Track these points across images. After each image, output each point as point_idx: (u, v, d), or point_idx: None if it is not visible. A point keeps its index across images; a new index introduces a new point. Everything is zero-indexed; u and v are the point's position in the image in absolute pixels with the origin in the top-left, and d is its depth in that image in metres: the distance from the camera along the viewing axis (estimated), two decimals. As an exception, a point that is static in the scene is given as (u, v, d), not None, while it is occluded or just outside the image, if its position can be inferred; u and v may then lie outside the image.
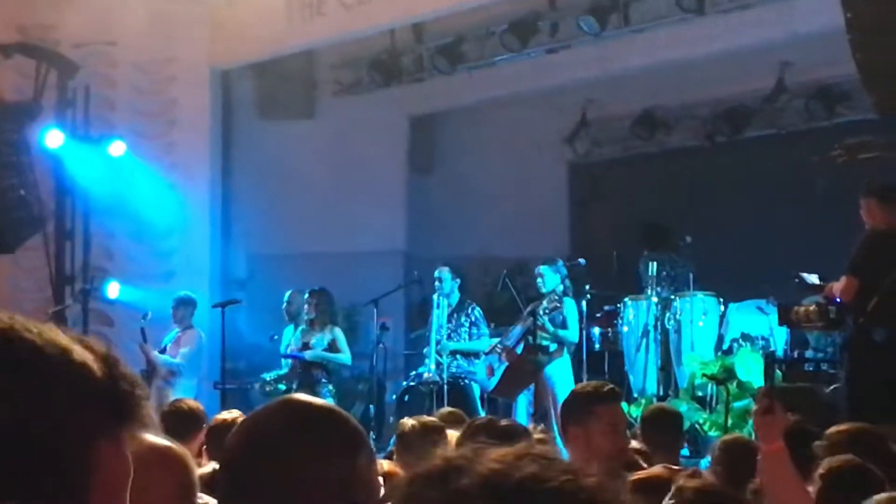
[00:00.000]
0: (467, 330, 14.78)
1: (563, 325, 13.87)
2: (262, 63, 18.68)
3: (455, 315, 14.84)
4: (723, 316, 14.64)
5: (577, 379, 13.96)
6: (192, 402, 9.02)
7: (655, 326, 14.62)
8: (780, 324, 12.22)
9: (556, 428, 12.95)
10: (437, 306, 14.88)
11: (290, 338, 15.26)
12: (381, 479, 2.59)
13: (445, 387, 14.28)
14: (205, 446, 7.16)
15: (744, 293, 14.72)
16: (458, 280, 14.96)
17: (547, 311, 13.74)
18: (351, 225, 18.55)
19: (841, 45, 11.66)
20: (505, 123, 19.06)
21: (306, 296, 14.99)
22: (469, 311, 14.87)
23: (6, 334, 1.68)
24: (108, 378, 1.73)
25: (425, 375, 14.80)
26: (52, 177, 17.37)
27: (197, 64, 18.05)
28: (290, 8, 17.24)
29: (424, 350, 15.18)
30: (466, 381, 14.54)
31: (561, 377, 13.72)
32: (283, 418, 2.58)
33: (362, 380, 16.78)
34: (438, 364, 14.63)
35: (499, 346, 14.14)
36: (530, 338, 13.57)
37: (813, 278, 11.35)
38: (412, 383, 15.11)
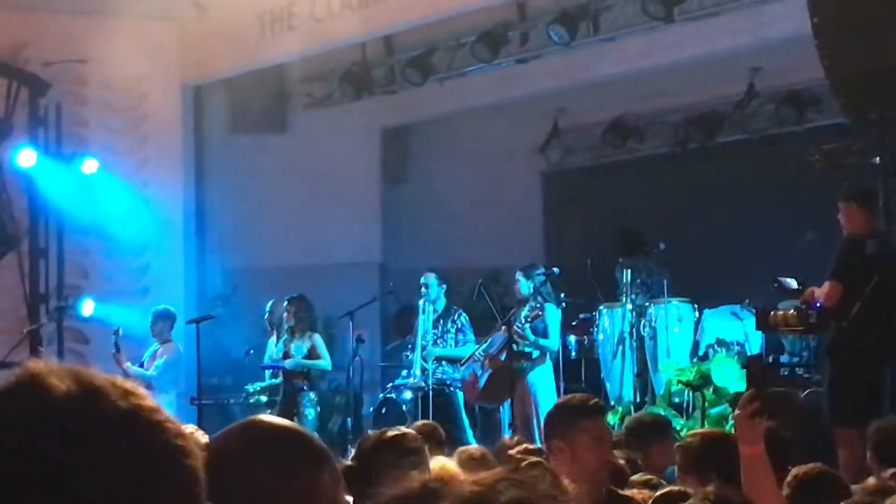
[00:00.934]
0: (453, 336, 14.82)
1: (545, 334, 13.89)
2: (233, 77, 18.67)
3: (441, 321, 14.89)
4: (698, 322, 14.67)
5: (556, 386, 14.03)
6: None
7: (631, 333, 14.65)
8: (758, 328, 12.24)
9: (537, 435, 13.01)
10: (423, 312, 14.94)
11: (272, 349, 15.29)
12: (349, 499, 2.60)
13: (430, 392, 14.29)
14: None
15: (718, 299, 14.76)
16: (445, 286, 15.03)
17: (528, 319, 13.75)
18: (325, 237, 18.56)
19: (810, 50, 11.69)
20: (477, 133, 19.06)
21: (285, 304, 15.01)
22: (455, 317, 14.92)
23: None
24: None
25: (410, 381, 14.83)
26: (25, 195, 17.36)
27: (168, 80, 18.07)
28: (261, 22, 17.27)
29: (410, 356, 15.19)
30: (451, 388, 14.56)
31: (543, 384, 13.78)
32: (244, 438, 2.59)
33: (339, 392, 16.78)
34: (424, 370, 14.64)
35: (480, 353, 14.18)
36: (514, 345, 13.60)
37: (791, 283, 11.38)
38: (389, 395, 15.14)
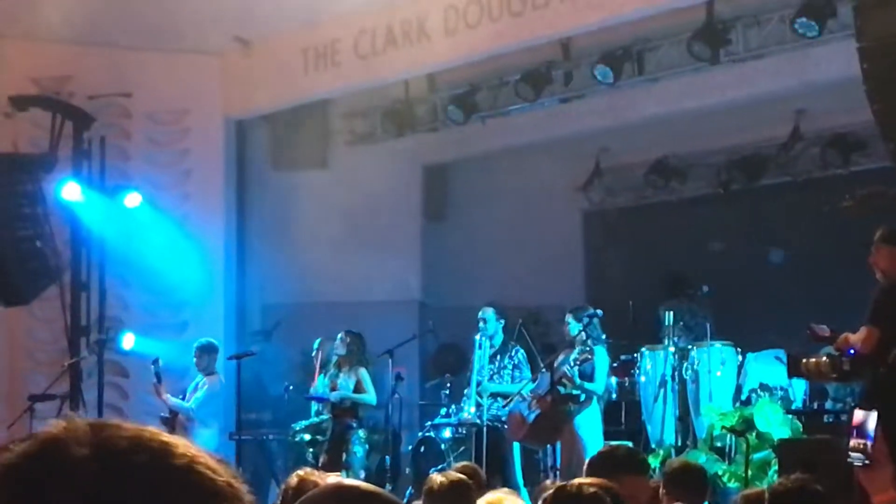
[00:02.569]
0: (510, 372, 14.66)
1: (591, 377, 13.71)
2: (275, 113, 18.73)
3: (498, 356, 14.75)
4: (741, 366, 14.54)
5: (601, 429, 13.93)
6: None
7: (673, 376, 14.51)
8: (790, 376, 12.12)
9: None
10: (479, 347, 14.80)
11: (320, 386, 15.25)
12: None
13: (484, 429, 14.12)
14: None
15: (761, 343, 14.64)
16: (503, 321, 14.91)
17: (577, 362, 13.55)
18: (365, 274, 18.52)
19: (856, 93, 11.67)
20: (519, 172, 19.05)
21: (340, 336, 14.91)
22: (512, 353, 14.77)
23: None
24: None
25: (464, 416, 14.69)
26: (68, 228, 17.39)
27: (211, 114, 18.13)
28: (305, 58, 17.33)
29: (465, 391, 15.05)
30: (505, 425, 14.39)
31: (590, 427, 13.59)
32: (334, 502, 2.55)
33: (377, 430, 16.70)
34: (478, 405, 14.49)
35: (526, 393, 14.00)
36: (560, 388, 13.46)
37: (824, 329, 11.22)
38: (428, 433, 15.06)
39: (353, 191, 18.83)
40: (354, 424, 14.78)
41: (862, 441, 5.21)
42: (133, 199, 17.11)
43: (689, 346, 14.78)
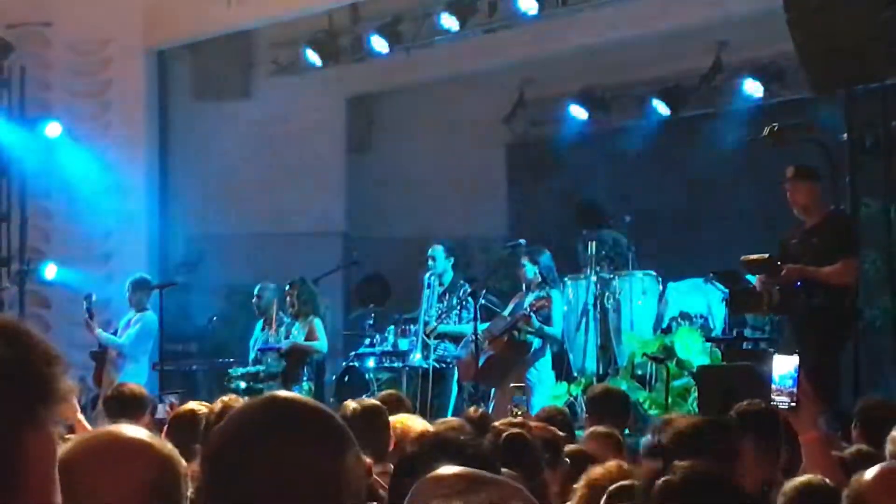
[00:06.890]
0: (458, 312, 14.40)
1: (548, 321, 13.52)
2: (198, 43, 18.57)
3: (447, 295, 14.50)
4: (661, 294, 14.66)
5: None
6: (134, 386, 9.00)
7: (595, 305, 14.56)
8: (735, 312, 12.23)
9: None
10: (428, 286, 14.61)
11: (258, 333, 14.99)
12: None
13: (430, 371, 13.99)
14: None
15: (682, 271, 14.76)
16: (452, 259, 14.68)
17: (534, 308, 13.34)
18: (289, 205, 18.49)
19: (777, 24, 11.74)
20: (443, 103, 19.01)
21: (287, 288, 14.69)
22: (461, 293, 14.43)
23: None
24: (22, 358, 1.68)
25: (412, 358, 14.59)
26: (-12, 159, 17.26)
27: (132, 44, 17.94)
28: (228, -13, 17.16)
29: (412, 329, 14.91)
30: (450, 365, 14.23)
31: (540, 375, 13.49)
32: (268, 413, 2.52)
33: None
34: (426, 346, 14.33)
35: (480, 334, 13.72)
36: (515, 333, 13.35)
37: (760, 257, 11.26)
38: (352, 363, 15.08)
39: (277, 122, 18.75)
40: (304, 378, 14.50)
41: (785, 385, 5.30)
42: (53, 130, 16.98)
43: (611, 276, 14.85)
